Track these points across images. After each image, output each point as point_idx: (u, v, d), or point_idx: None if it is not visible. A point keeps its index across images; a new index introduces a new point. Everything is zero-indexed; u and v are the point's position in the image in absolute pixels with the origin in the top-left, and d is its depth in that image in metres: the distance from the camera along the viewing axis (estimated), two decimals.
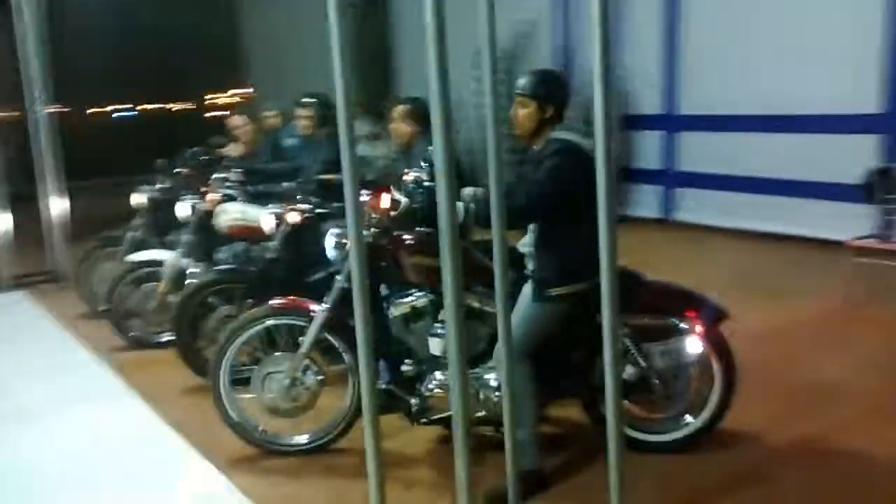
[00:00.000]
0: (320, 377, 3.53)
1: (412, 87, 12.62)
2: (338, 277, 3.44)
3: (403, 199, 3.22)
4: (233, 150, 6.05)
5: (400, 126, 4.34)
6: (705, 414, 3.38)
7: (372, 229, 3.37)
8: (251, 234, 4.99)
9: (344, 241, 3.44)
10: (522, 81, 3.22)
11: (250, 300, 4.43)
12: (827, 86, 7.10)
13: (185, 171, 6.25)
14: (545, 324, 3.21)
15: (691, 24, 8.48)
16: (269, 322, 3.58)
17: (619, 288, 3.17)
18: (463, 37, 11.06)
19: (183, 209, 5.19)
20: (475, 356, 3.40)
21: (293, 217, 4.29)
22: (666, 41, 8.71)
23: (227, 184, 4.97)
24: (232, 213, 4.93)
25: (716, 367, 3.34)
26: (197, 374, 4.58)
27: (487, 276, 3.35)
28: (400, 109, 4.35)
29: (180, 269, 5.18)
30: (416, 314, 3.43)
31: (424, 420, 3.42)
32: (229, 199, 5.01)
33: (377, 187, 3.36)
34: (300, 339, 3.50)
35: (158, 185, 6.07)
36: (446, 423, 3.40)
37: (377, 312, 3.49)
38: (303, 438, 3.64)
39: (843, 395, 3.99)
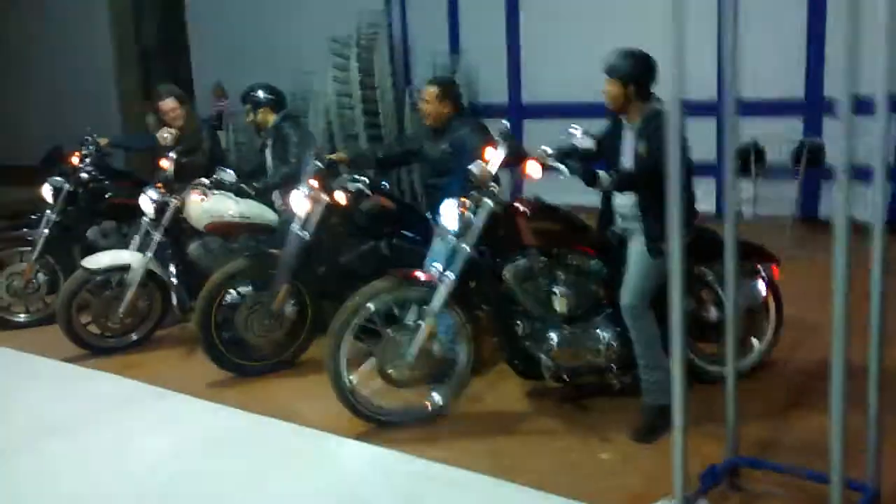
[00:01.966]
0: (447, 346, 3.64)
1: (207, 72, 12.14)
2: (463, 246, 3.56)
3: (563, 167, 3.42)
4: (166, 134, 5.63)
5: (436, 106, 4.47)
6: (763, 346, 4.02)
7: (495, 197, 3.56)
8: (231, 230, 4.83)
9: (464, 209, 3.57)
10: (614, 59, 3.59)
11: (286, 285, 4.33)
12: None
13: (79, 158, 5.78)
14: (661, 275, 3.61)
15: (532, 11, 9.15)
16: (392, 295, 3.61)
17: (707, 241, 3.73)
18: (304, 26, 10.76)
19: (148, 203, 4.80)
20: (587, 311, 3.73)
21: (340, 197, 4.24)
22: (510, 29, 9.34)
23: (222, 178, 4.69)
24: (220, 208, 4.75)
25: (772, 304, 3.99)
26: (221, 368, 4.37)
27: (591, 237, 3.73)
28: (433, 91, 4.49)
29: (148, 272, 4.82)
30: (530, 275, 3.67)
31: (562, 379, 3.68)
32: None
33: (520, 157, 3.53)
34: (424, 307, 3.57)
35: (83, 175, 5.50)
36: (575, 378, 3.72)
37: (492, 275, 3.69)
38: (435, 402, 3.72)
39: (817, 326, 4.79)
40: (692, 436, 3.40)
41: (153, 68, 14.22)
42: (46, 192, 5.51)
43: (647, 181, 3.50)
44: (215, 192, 4.72)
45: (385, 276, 3.66)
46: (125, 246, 5.44)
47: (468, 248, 3.55)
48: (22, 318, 5.52)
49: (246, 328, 4.33)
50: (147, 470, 3.37)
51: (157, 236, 4.77)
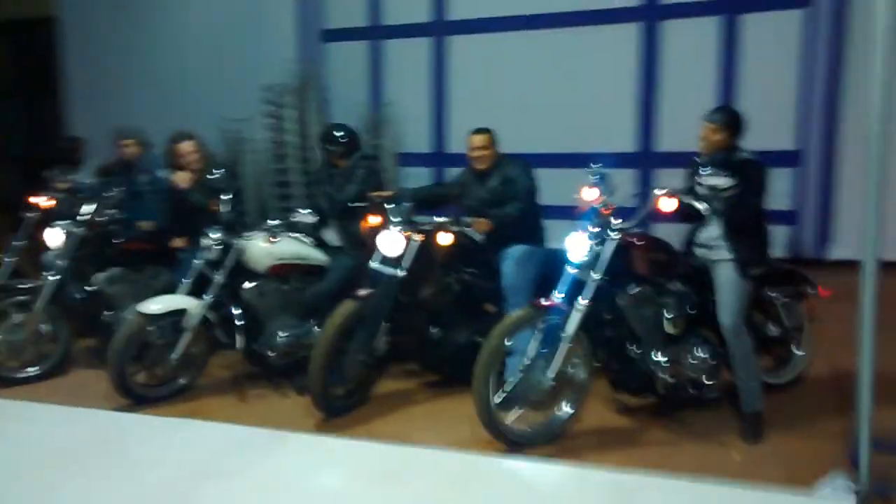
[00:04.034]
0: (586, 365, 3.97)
1: (86, 119, 11.57)
2: (593, 275, 3.90)
3: (702, 206, 3.87)
4: (182, 178, 5.48)
5: (486, 152, 4.91)
6: (805, 359, 4.64)
7: (616, 232, 3.95)
8: (288, 271, 4.89)
9: (592, 242, 3.93)
10: (717, 111, 4.16)
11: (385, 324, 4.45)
12: (591, 128, 8.93)
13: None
14: (749, 297, 4.15)
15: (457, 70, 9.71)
16: (539, 324, 3.86)
17: (774, 269, 4.34)
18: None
19: (213, 248, 4.69)
20: (685, 331, 4.18)
21: (446, 239, 4.47)
22: (433, 86, 9.83)
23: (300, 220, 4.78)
24: (283, 250, 4.83)
25: (807, 325, 4.64)
26: (328, 416, 4.37)
27: (684, 265, 4.22)
28: (483, 137, 5.00)
29: (203, 317, 4.68)
30: (643, 301, 4.08)
31: (672, 393, 4.11)
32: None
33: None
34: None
35: (98, 220, 5.24)
36: (679, 392, 4.14)
37: (606, 302, 4.05)
38: (567, 416, 4.03)
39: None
40: (787, 436, 3.98)
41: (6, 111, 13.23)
42: (56, 236, 5.17)
43: (740, 216, 4.05)
44: (286, 234, 4.74)
45: (524, 308, 3.95)
46: (134, 293, 5.30)
47: (598, 278, 3.90)
48: (30, 371, 5.12)
49: (349, 370, 4.36)
50: None
51: (218, 279, 4.66)
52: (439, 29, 9.68)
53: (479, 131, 5.01)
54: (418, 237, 4.45)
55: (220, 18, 10.48)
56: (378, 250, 4.44)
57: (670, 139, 8.62)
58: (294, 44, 10.26)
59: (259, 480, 3.53)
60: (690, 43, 8.54)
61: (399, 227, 4.42)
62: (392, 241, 4.40)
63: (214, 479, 3.53)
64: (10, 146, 13.15)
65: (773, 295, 4.41)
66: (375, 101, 10.00)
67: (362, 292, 4.35)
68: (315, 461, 3.79)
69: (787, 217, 8.14)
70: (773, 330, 4.48)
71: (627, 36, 8.80)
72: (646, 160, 8.81)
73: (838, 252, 8.05)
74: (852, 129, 7.91)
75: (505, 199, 4.87)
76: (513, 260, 4.71)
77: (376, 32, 10.03)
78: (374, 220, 4.69)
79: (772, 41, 8.19)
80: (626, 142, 8.89)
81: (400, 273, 4.41)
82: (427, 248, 4.54)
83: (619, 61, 8.86)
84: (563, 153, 8.77)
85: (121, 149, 6.52)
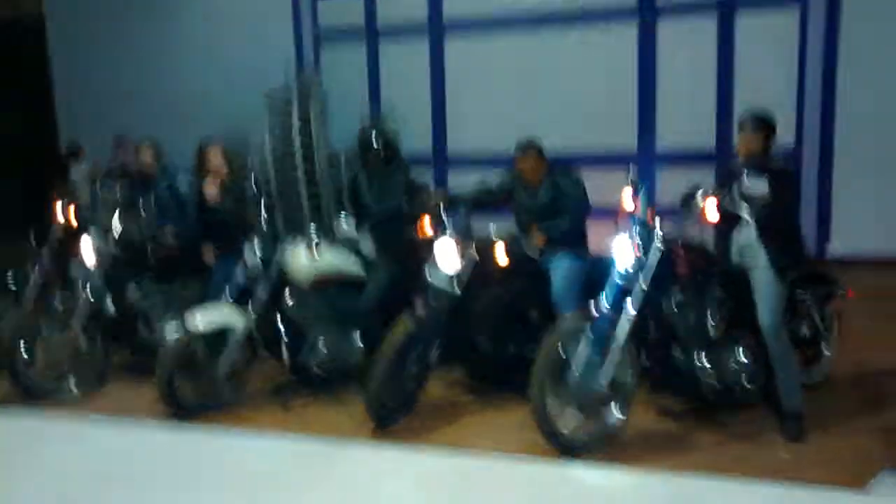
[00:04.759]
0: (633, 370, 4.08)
1: (83, 121, 11.46)
2: (641, 285, 4.03)
3: (745, 213, 3.99)
4: (210, 186, 5.48)
5: (537, 166, 4.93)
6: (832, 357, 4.81)
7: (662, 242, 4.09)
8: (329, 283, 4.96)
9: (637, 252, 4.06)
10: (754, 118, 4.26)
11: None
12: (591, 127, 9.05)
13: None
14: (785, 299, 4.31)
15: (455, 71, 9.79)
16: (588, 332, 3.98)
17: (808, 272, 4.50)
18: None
19: (253, 260, 4.75)
20: (725, 334, 4.33)
21: (504, 259, 4.61)
22: (432, 87, 9.90)
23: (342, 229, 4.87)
24: (326, 263, 4.88)
25: (836, 324, 4.81)
26: (381, 427, 4.42)
27: (722, 269, 4.36)
28: (532, 154, 4.96)
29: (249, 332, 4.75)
30: (686, 305, 4.22)
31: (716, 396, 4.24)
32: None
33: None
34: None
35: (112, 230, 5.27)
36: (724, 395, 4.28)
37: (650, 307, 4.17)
38: (619, 420, 4.12)
39: None
40: (828, 434, 4.14)
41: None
42: (89, 250, 5.18)
43: (778, 221, 4.19)
44: (326, 245, 4.80)
45: (571, 316, 4.09)
46: (167, 304, 5.37)
47: (644, 286, 4.03)
48: (70, 386, 5.13)
49: (405, 383, 4.47)
50: None
51: (261, 295, 4.72)
52: (436, 30, 9.76)
53: (525, 150, 4.97)
54: (475, 255, 4.54)
55: (215, 22, 10.45)
56: (434, 264, 4.52)
57: (671, 137, 8.77)
58: (291, 47, 10.32)
59: (324, 491, 3.62)
60: (688, 41, 8.69)
61: (456, 237, 4.49)
62: (450, 257, 4.47)
63: (281, 492, 3.61)
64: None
65: (805, 296, 4.58)
66: (374, 103, 10.07)
67: (419, 311, 4.41)
68: (377, 471, 3.88)
69: None
70: (805, 330, 4.64)
71: (625, 36, 8.95)
72: (647, 158, 8.93)
73: (836, 250, 8.26)
74: (847, 127, 8.17)
75: (555, 210, 4.90)
76: (562, 274, 4.78)
77: (372, 35, 10.09)
78: (428, 228, 4.72)
79: (768, 38, 8.37)
80: (626, 140, 9.03)
81: (457, 291, 4.49)
82: (481, 263, 4.62)
83: (617, 61, 8.99)
84: (564, 153, 8.82)
85: (132, 155, 6.51)
